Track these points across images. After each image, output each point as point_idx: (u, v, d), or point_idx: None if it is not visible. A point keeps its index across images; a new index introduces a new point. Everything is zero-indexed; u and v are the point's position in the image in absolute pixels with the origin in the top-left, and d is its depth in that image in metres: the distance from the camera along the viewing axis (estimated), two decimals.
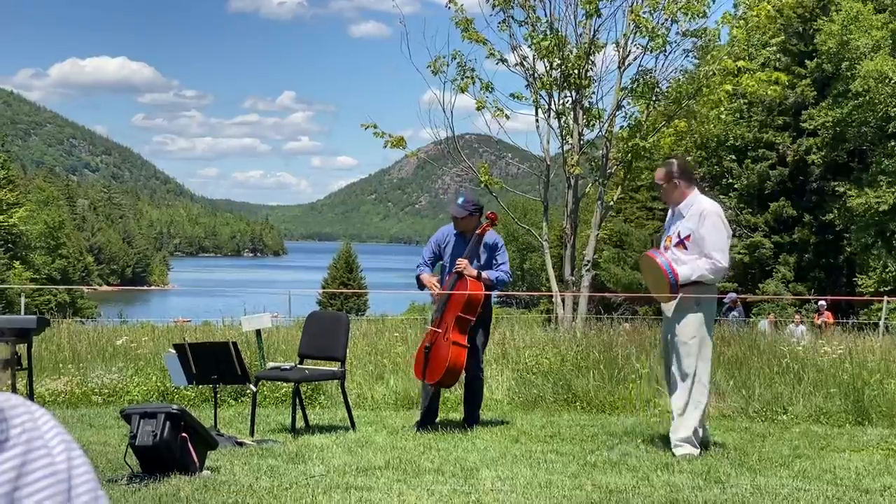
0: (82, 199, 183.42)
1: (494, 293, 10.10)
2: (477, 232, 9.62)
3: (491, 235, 9.75)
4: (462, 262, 9.51)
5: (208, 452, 7.56)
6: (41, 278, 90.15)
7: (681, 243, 8.32)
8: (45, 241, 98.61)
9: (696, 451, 8.26)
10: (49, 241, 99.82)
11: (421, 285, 9.93)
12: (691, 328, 8.30)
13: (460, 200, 9.86)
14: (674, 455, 8.16)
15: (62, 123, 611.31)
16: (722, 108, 20.58)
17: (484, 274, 9.54)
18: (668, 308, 8.44)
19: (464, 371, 9.85)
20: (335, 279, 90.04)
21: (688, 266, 8.16)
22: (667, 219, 8.88)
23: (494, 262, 9.71)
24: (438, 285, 9.71)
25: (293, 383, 9.54)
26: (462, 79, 20.95)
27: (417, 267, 10.02)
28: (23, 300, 20.69)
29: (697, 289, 8.28)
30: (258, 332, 11.57)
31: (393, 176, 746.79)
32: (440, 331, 9.56)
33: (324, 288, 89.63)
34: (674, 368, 8.42)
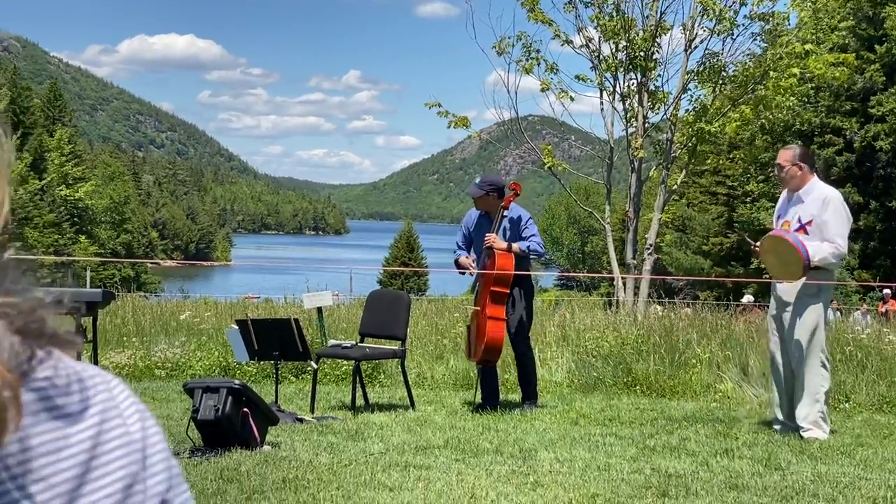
0: (147, 174, 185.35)
1: (548, 273, 10.10)
2: (501, 205, 9.63)
3: (514, 210, 9.75)
4: (490, 237, 9.54)
5: (269, 428, 7.63)
6: (106, 253, 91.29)
7: (802, 228, 8.28)
8: (110, 215, 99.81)
9: (825, 435, 8.32)
10: (114, 215, 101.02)
11: (460, 268, 9.97)
12: (813, 315, 8.28)
13: (477, 180, 9.91)
14: (802, 438, 8.17)
15: (129, 99, 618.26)
16: (790, 96, 20.30)
17: (514, 245, 9.55)
18: (789, 293, 8.38)
19: (512, 349, 9.93)
20: (396, 258, 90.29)
21: (812, 248, 8.11)
22: (779, 203, 8.82)
23: (522, 235, 9.70)
24: (474, 265, 9.76)
25: (354, 361, 9.60)
26: (527, 60, 20.86)
27: (454, 252, 10.05)
28: (88, 274, 21.02)
29: (818, 275, 8.26)
30: (319, 310, 11.66)
31: (455, 157, 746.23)
32: (479, 308, 9.63)
33: (385, 267, 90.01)
34: (792, 355, 8.38)
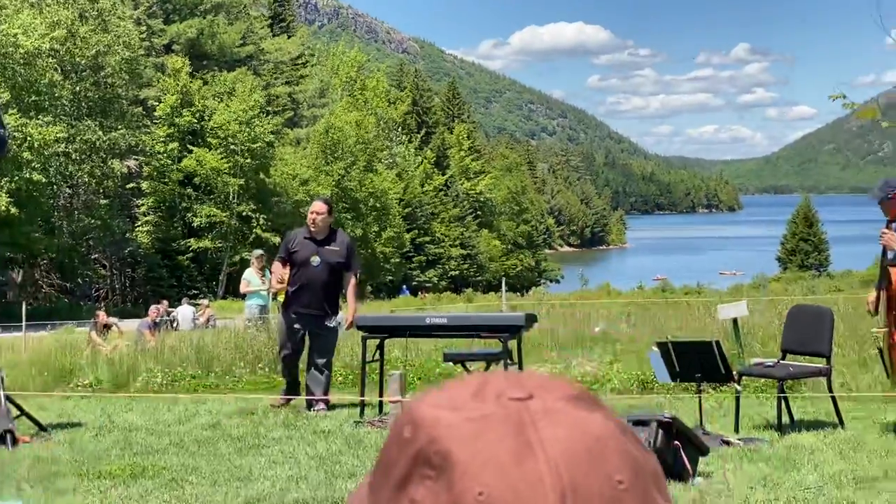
0: (541, 162, 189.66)
1: None
2: None
3: None
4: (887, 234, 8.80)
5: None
6: (507, 244, 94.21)
7: None
8: (509, 206, 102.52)
9: None
10: (513, 206, 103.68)
11: None
12: None
13: (880, 183, 9.04)
14: None
15: (521, 90, 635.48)
16: None
17: None
18: None
19: None
20: (794, 234, 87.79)
21: None
22: None
23: None
24: None
25: (778, 381, 9.42)
26: None
27: None
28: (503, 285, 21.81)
29: None
30: (735, 322, 11.55)
31: (853, 124, 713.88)
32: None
33: (783, 244, 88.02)
34: None
